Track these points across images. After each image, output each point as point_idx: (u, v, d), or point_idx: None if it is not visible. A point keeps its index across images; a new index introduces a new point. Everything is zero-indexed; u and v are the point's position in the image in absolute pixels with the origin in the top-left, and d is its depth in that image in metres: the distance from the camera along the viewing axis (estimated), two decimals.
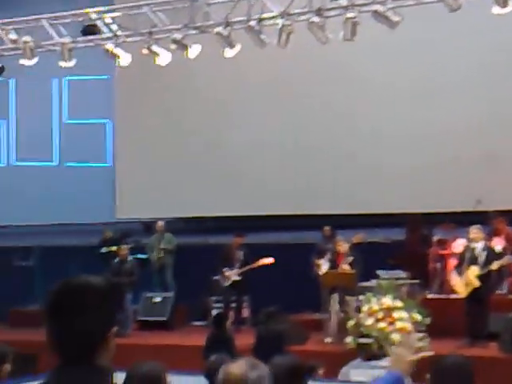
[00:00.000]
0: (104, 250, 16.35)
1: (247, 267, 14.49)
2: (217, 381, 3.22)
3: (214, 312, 14.38)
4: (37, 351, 12.43)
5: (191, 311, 15.91)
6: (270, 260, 14.28)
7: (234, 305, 14.74)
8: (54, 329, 2.40)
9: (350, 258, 13.05)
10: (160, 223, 16.59)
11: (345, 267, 13.04)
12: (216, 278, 14.93)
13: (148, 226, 17.72)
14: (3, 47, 14.33)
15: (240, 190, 17.26)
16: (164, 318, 15.26)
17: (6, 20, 14.39)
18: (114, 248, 15.86)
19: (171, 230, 16.56)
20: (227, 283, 14.68)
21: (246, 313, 15.12)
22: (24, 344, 12.36)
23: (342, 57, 15.61)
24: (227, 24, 12.52)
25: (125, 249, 15.18)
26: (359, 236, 13.52)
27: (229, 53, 12.69)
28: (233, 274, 14.67)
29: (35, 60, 13.88)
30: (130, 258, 15.18)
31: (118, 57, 13.46)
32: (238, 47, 12.59)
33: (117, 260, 15.10)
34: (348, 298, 12.49)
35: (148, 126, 18.41)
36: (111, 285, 2.51)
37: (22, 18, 14.29)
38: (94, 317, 2.37)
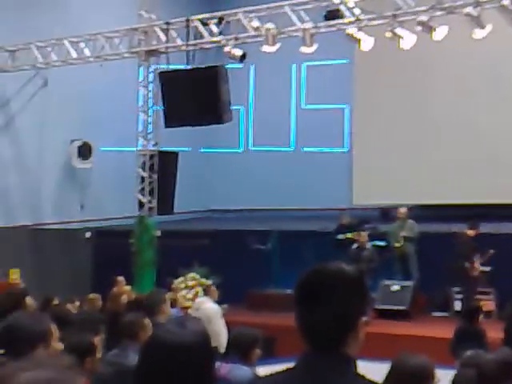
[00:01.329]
0: (341, 236, 16.25)
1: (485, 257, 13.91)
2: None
3: (457, 303, 13.84)
4: (275, 334, 12.59)
5: (431, 301, 15.44)
6: None
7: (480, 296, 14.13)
8: (305, 314, 2.38)
9: None
10: (402, 210, 16.12)
11: None
12: (465, 266, 14.32)
13: (385, 213, 17.42)
14: (246, 34, 14.61)
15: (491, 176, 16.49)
16: (403, 307, 14.88)
17: (250, 8, 14.66)
18: (350, 234, 15.73)
19: (411, 217, 16.12)
20: (475, 273, 14.10)
21: (491, 305, 14.43)
22: (261, 327, 12.48)
23: None
24: (477, 4, 11.93)
25: (364, 235, 15.06)
26: None
27: (478, 34, 12.08)
28: (479, 265, 14.10)
29: (277, 46, 14.03)
30: (368, 244, 15.01)
31: (360, 41, 13.28)
32: (488, 28, 11.95)
33: (355, 246, 15.00)
34: None
35: (387, 111, 18.09)
36: (362, 273, 2.47)
37: (265, 6, 14.49)
38: (345, 304, 2.35)
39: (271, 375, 2.52)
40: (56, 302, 9.50)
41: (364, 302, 2.44)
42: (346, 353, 2.37)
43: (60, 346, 3.91)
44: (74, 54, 16.75)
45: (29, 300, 6.23)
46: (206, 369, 2.58)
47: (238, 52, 14.45)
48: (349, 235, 15.83)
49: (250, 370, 5.72)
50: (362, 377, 2.39)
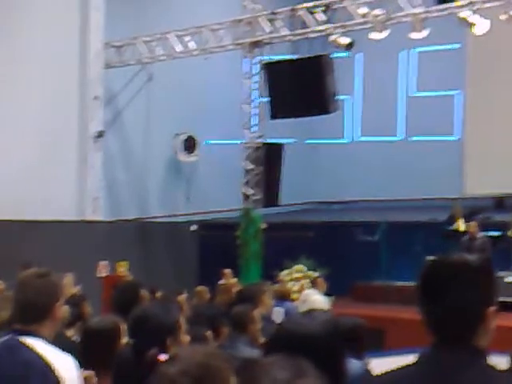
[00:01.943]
0: (452, 226, 15.69)
1: None
2: None
3: None
4: (384, 327, 12.24)
5: None
6: None
7: None
8: (430, 306, 2.31)
9: None
10: None
11: None
12: None
13: (499, 202, 16.74)
14: (353, 22, 14.26)
15: None
16: None
17: None
18: (462, 225, 15.16)
19: None
20: None
21: None
22: (370, 319, 12.17)
23: None
24: None
25: (475, 225, 14.46)
26: None
27: None
28: None
29: (386, 33, 13.64)
30: (480, 234, 14.41)
31: (474, 24, 12.73)
32: None
33: (466, 237, 14.43)
34: None
35: (502, 97, 17.37)
36: (489, 261, 2.40)
37: None
38: (472, 294, 2.29)
39: (391, 371, 2.36)
40: (159, 293, 9.46)
41: (492, 291, 2.35)
42: (476, 345, 2.28)
43: (187, 338, 3.87)
44: (178, 48, 16.81)
45: (143, 292, 6.17)
46: (336, 359, 2.49)
47: (345, 40, 14.15)
48: (460, 225, 15.26)
49: (361, 364, 5.44)
50: (494, 368, 2.27)
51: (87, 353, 4.04)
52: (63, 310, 3.66)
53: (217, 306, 8.72)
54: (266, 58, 15.98)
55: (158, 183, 18.57)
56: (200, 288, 11.14)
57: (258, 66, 16.14)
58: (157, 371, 1.95)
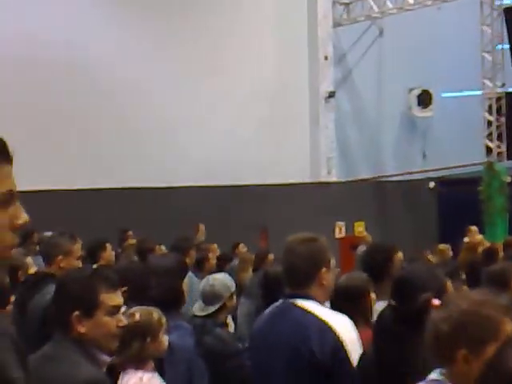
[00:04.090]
0: None
1: None
2: None
3: None
4: None
5: None
6: None
7: None
8: None
9: None
10: None
11: None
12: None
13: None
14: None
15: None
16: None
17: None
18: None
19: None
20: None
21: None
22: None
23: None
24: None
25: None
26: None
27: None
28: None
29: None
30: None
31: None
32: None
33: None
34: None
35: None
36: None
37: None
38: None
39: None
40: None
41: None
42: None
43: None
44: (411, 0, 16.22)
45: (399, 255, 5.94)
46: None
47: None
48: None
49: None
50: None
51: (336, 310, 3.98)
52: (329, 276, 3.55)
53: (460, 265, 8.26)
54: (508, 3, 15.00)
55: (392, 140, 18.09)
56: (441, 246, 10.89)
57: (497, 11, 15.22)
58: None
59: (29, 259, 5.66)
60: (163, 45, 14.86)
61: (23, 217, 1.76)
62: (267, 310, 3.69)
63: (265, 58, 16.23)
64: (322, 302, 3.49)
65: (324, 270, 3.45)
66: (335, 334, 3.28)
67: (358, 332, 3.56)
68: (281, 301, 3.54)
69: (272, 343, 3.45)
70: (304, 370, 3.32)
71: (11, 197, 1.72)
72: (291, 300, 3.46)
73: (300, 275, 3.44)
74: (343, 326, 3.36)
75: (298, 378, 3.35)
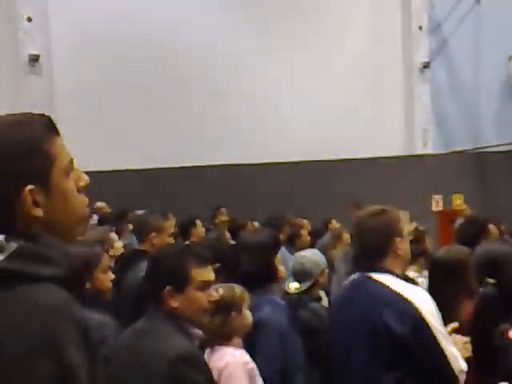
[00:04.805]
0: None
1: None
2: None
3: None
4: None
5: None
6: None
7: None
8: None
9: None
10: None
11: None
12: None
13: None
14: None
15: None
16: None
17: None
18: None
19: None
20: None
21: None
22: None
23: None
24: None
25: None
26: None
27: None
28: None
29: None
30: None
31: None
32: None
33: None
34: None
35: None
36: None
37: None
38: None
39: None
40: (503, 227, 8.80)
41: None
42: None
43: None
44: None
45: (492, 228, 5.75)
46: None
47: None
48: None
49: None
50: None
51: (436, 284, 4.01)
52: (404, 246, 3.49)
53: None
54: None
55: (491, 110, 17.53)
56: None
57: None
58: None
59: (113, 234, 5.71)
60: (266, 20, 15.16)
61: (84, 178, 1.87)
62: (344, 285, 3.69)
63: (359, 31, 16.05)
64: (399, 273, 3.44)
65: (398, 239, 3.40)
66: (413, 305, 3.21)
67: (461, 306, 3.49)
68: (357, 274, 3.52)
69: (349, 318, 3.43)
70: (382, 344, 3.24)
71: (72, 165, 1.83)
72: (366, 274, 3.45)
73: (372, 248, 3.43)
74: (420, 297, 3.27)
75: (377, 353, 3.27)
